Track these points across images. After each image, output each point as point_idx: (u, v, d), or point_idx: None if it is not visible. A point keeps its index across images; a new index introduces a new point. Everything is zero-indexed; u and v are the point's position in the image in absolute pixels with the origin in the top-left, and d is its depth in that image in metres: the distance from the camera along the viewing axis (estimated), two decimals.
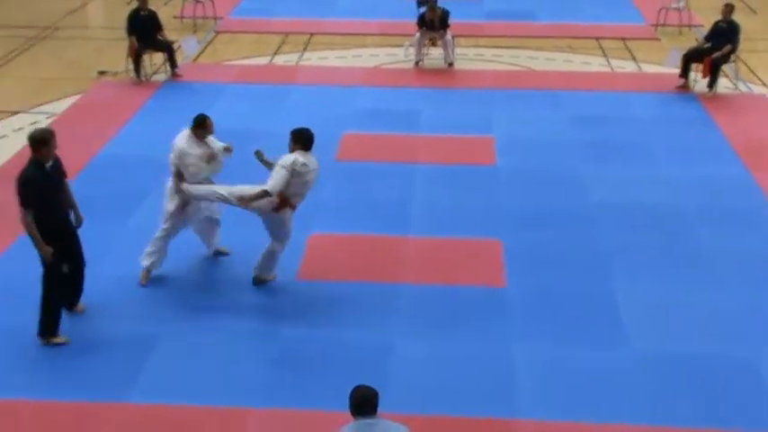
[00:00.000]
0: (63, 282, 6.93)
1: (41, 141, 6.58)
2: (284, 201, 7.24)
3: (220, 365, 6.70)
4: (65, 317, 7.02)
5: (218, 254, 8.13)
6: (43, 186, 6.61)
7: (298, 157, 7.14)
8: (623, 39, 15.13)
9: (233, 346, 6.93)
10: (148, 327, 7.16)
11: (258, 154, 7.54)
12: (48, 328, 6.86)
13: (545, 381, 6.55)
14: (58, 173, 6.84)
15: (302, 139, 7.24)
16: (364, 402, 4.72)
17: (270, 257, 7.60)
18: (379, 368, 6.56)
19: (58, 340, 6.88)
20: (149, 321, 7.23)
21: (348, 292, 7.65)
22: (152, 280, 7.77)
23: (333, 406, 6.01)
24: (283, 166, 7.09)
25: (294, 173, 7.09)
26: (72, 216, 7.05)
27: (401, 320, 7.27)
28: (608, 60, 14.05)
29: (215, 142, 7.73)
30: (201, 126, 7.59)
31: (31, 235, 6.65)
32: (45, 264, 6.76)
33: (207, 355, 6.83)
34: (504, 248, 8.36)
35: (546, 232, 8.69)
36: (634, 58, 14.13)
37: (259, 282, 7.68)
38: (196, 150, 7.52)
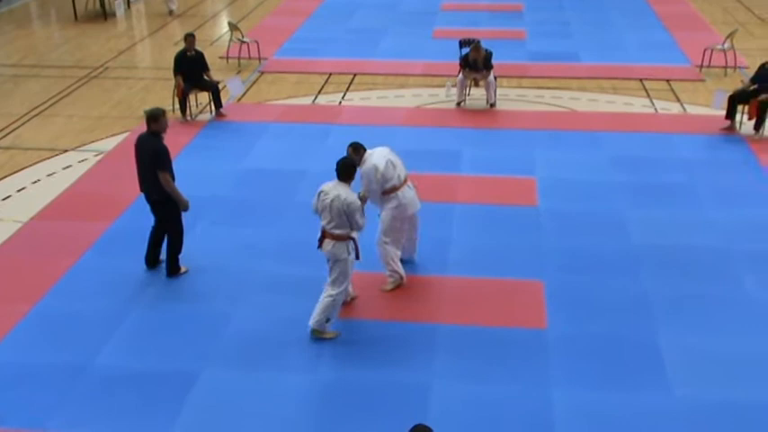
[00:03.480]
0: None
1: (153, 117, 8.22)
2: None
3: (260, 404, 6.70)
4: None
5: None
6: (168, 152, 8.25)
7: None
8: (668, 80, 15.04)
9: (273, 384, 6.93)
10: (190, 363, 7.20)
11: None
12: (173, 267, 8.52)
13: (585, 426, 6.44)
14: None
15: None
16: None
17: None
18: (418, 409, 6.51)
19: (182, 270, 8.56)
20: (191, 359, 7.28)
21: (387, 332, 7.63)
22: (190, 317, 7.83)
23: None
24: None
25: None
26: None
27: (440, 361, 7.22)
28: (652, 101, 13.97)
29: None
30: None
31: (172, 192, 8.24)
32: (174, 215, 8.37)
33: (247, 392, 6.84)
34: (546, 290, 8.28)
35: (588, 274, 8.60)
36: (678, 100, 14.03)
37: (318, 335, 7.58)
38: None
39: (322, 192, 7.40)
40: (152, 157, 8.19)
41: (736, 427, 6.42)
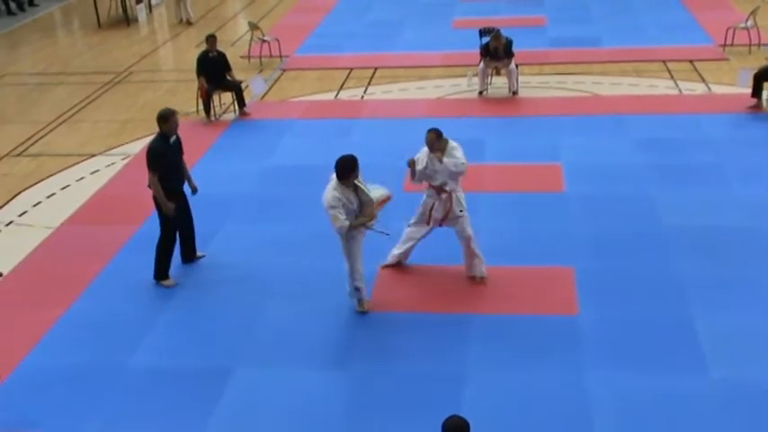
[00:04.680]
0: (175, 239, 8.45)
1: (162, 118, 8.17)
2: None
3: (294, 400, 6.74)
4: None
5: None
6: (166, 154, 8.15)
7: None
8: (691, 60, 14.89)
9: (307, 381, 6.96)
10: (223, 362, 7.25)
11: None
12: (160, 272, 8.37)
13: (622, 410, 6.41)
14: (179, 148, 8.39)
15: None
16: (459, 430, 4.68)
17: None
18: (452, 400, 6.51)
19: (167, 283, 8.37)
20: (224, 357, 7.33)
21: (419, 323, 7.64)
22: (221, 315, 7.90)
23: None
24: None
25: None
26: (186, 185, 8.54)
27: (473, 351, 7.22)
28: (676, 83, 13.84)
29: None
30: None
31: (155, 191, 8.14)
32: (163, 218, 8.26)
33: (280, 389, 6.88)
34: (577, 276, 8.25)
35: (619, 258, 8.55)
36: (703, 80, 13.89)
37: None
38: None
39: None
40: (146, 156, 8.20)
41: None
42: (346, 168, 7.36)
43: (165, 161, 8.17)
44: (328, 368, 7.11)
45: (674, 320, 7.48)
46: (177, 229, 8.47)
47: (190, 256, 8.76)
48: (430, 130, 7.93)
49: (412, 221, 8.33)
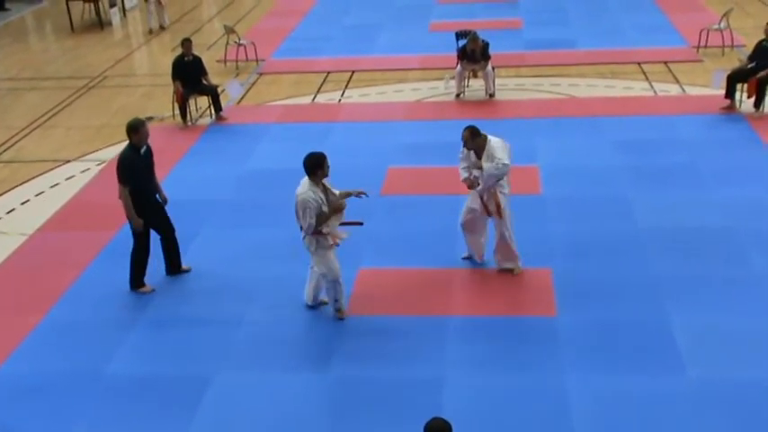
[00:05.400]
0: (148, 248, 8.33)
1: (132, 129, 7.99)
2: None
3: (274, 404, 6.72)
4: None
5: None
6: (137, 166, 8.00)
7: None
8: (666, 62, 15.02)
9: (286, 384, 6.94)
10: (202, 368, 7.21)
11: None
12: (135, 281, 8.35)
13: (600, 411, 6.44)
14: (150, 157, 8.22)
15: None
16: None
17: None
18: (433, 403, 6.51)
19: (144, 289, 8.34)
20: (203, 363, 7.29)
21: (398, 326, 7.64)
22: (200, 321, 7.86)
23: None
24: None
25: None
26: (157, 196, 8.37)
27: (452, 353, 7.23)
28: (651, 84, 13.95)
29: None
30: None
31: (125, 206, 8.03)
32: (134, 231, 8.18)
33: (261, 394, 6.86)
34: (555, 277, 8.28)
35: (596, 260, 8.60)
36: (677, 81, 14.01)
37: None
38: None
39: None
40: (117, 168, 8.04)
41: (752, 406, 6.41)
42: (314, 165, 7.37)
43: (136, 173, 8.02)
44: (308, 372, 7.10)
45: (651, 321, 7.54)
46: (148, 239, 8.32)
47: (174, 269, 8.64)
48: (465, 128, 8.14)
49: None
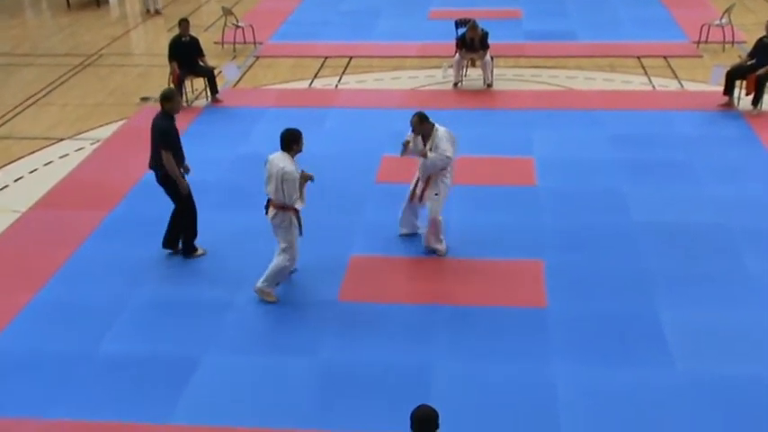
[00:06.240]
0: (194, 212, 8.59)
1: (165, 97, 8.34)
2: None
3: (263, 387, 6.72)
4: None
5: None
6: (175, 133, 8.36)
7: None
8: (665, 57, 14.99)
9: (275, 368, 6.94)
10: (191, 349, 7.20)
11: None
12: (189, 247, 8.61)
13: (588, 402, 6.46)
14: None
15: None
16: (426, 420, 4.73)
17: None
18: (420, 389, 6.52)
19: (198, 253, 8.62)
20: (193, 344, 7.28)
21: (389, 313, 7.64)
22: (191, 302, 7.84)
23: (374, 427, 5.99)
24: None
25: None
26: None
27: (442, 342, 7.23)
28: (649, 79, 13.92)
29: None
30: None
31: (171, 172, 8.29)
32: (180, 198, 8.43)
33: (249, 376, 6.85)
34: (546, 269, 8.28)
35: (588, 253, 8.60)
36: (676, 76, 13.99)
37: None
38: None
39: (268, 161, 7.64)
40: (158, 136, 8.33)
41: (739, 401, 6.44)
42: (292, 140, 7.58)
43: (175, 139, 8.37)
44: (297, 356, 7.09)
45: (641, 315, 7.55)
46: (193, 201, 8.57)
47: (172, 243, 8.71)
48: (415, 114, 8.34)
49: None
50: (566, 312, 7.60)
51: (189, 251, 8.63)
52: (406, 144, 8.33)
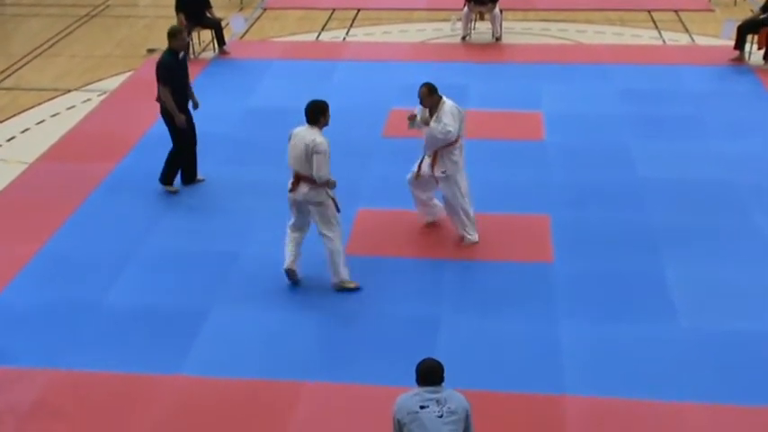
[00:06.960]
0: (187, 151, 8.88)
1: (171, 34, 8.62)
2: None
3: (271, 339, 6.78)
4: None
5: None
6: (175, 69, 8.61)
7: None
8: (676, 10, 14.81)
9: (283, 321, 7.00)
10: (199, 301, 7.26)
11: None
12: (168, 178, 8.87)
13: (593, 357, 6.50)
14: (185, 64, 8.86)
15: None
16: (431, 372, 4.79)
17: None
18: (426, 343, 6.56)
19: (172, 189, 8.89)
20: (200, 297, 7.34)
21: (396, 267, 7.67)
22: (199, 255, 7.88)
23: (381, 380, 6.07)
24: None
25: None
26: (190, 103, 8.91)
27: (448, 296, 7.27)
28: (660, 33, 13.77)
29: None
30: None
31: (167, 105, 8.56)
32: (176, 130, 8.68)
33: (257, 329, 6.92)
34: (553, 224, 8.29)
35: (595, 208, 8.59)
36: (687, 31, 13.83)
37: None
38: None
39: (292, 136, 7.08)
40: (156, 70, 8.59)
41: (743, 356, 6.47)
42: (318, 112, 6.99)
43: (175, 76, 8.57)
44: (305, 309, 7.14)
45: (647, 270, 7.56)
46: (189, 139, 8.81)
47: (190, 178, 9.02)
48: (423, 84, 7.66)
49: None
50: (572, 267, 7.62)
51: (165, 181, 8.88)
52: (412, 117, 7.80)
